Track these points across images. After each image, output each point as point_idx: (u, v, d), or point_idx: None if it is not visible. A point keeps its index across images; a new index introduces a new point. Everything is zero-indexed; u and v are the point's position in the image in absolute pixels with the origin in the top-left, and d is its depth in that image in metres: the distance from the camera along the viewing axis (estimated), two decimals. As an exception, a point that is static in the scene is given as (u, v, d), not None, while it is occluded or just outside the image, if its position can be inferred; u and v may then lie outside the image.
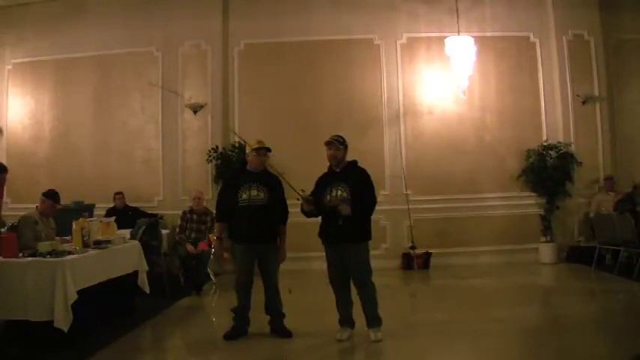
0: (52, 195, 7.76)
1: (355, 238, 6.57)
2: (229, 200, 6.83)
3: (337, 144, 6.68)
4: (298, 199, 6.65)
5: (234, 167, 10.27)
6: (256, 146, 6.87)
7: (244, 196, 6.73)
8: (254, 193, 6.73)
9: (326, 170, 6.85)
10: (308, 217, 6.76)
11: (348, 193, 6.49)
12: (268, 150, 6.93)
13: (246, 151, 7.17)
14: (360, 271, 6.60)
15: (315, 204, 6.62)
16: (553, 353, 6.17)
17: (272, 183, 6.89)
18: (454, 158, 12.08)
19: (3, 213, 8.72)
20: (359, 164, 6.85)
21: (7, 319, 6.52)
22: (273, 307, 6.90)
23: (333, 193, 6.53)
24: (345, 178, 6.59)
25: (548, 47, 12.30)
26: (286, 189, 6.93)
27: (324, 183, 6.70)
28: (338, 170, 6.70)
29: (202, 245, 10.14)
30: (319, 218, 6.77)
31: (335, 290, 6.75)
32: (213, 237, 9.44)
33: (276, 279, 6.90)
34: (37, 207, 7.75)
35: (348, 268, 6.61)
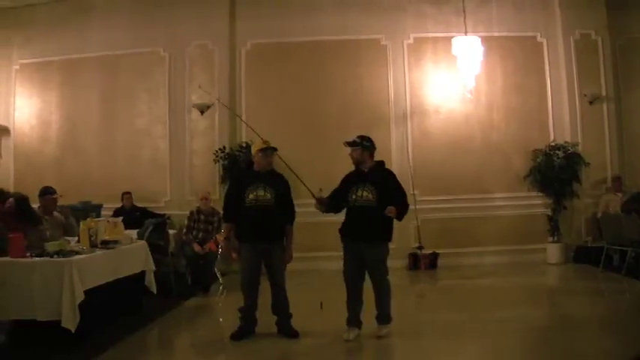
0: (45, 191, 7.84)
1: (377, 238, 6.64)
2: (236, 201, 6.83)
3: (353, 145, 6.75)
4: (316, 199, 6.74)
5: (241, 167, 10.27)
6: (262, 146, 6.85)
7: (251, 196, 6.71)
8: (261, 193, 6.71)
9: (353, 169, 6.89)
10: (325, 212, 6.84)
11: (374, 194, 6.54)
12: (274, 150, 6.93)
13: (252, 152, 7.16)
14: (377, 269, 6.69)
15: (331, 202, 6.75)
16: (560, 353, 6.16)
17: (278, 183, 6.87)
18: (461, 158, 12.06)
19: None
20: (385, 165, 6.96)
21: (14, 319, 6.54)
22: (280, 307, 6.89)
23: (359, 193, 6.59)
24: (370, 179, 6.63)
25: (556, 47, 12.26)
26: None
27: (350, 182, 6.75)
28: (365, 170, 6.73)
29: (210, 245, 10.15)
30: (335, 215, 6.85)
31: (348, 288, 6.76)
32: (221, 237, 9.45)
33: (282, 279, 6.89)
34: (38, 207, 7.80)
35: (366, 266, 6.67)
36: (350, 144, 6.76)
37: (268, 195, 6.72)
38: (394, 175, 6.86)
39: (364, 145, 6.74)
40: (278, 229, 6.84)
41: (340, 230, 6.82)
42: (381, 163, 6.91)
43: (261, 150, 6.83)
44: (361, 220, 6.58)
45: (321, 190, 6.73)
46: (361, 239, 6.60)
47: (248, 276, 6.81)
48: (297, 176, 6.94)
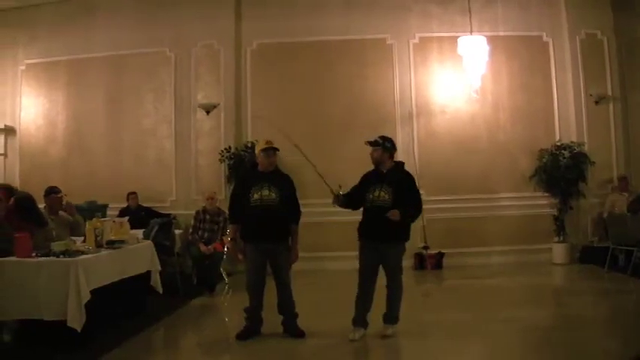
0: (49, 191, 7.91)
1: (394, 238, 6.67)
2: (241, 202, 6.83)
3: (374, 145, 6.78)
4: (334, 195, 6.73)
5: (245, 168, 10.30)
6: (264, 146, 6.85)
7: (256, 196, 6.71)
8: (265, 193, 6.71)
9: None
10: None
11: (390, 195, 6.56)
12: (276, 150, 6.91)
13: (255, 152, 7.17)
14: (393, 267, 6.75)
15: (345, 200, 6.76)
16: (564, 353, 6.17)
17: (283, 182, 6.88)
18: (467, 158, 12.04)
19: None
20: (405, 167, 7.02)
21: (20, 319, 6.55)
22: (286, 307, 6.90)
23: (376, 194, 6.62)
24: (388, 180, 6.65)
25: (561, 47, 12.23)
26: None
27: (369, 182, 6.77)
28: (384, 171, 6.75)
29: (216, 245, 10.16)
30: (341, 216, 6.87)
31: (361, 286, 6.77)
32: (227, 239, 9.46)
33: (288, 278, 6.90)
34: (44, 207, 7.84)
35: (381, 264, 6.72)
36: (371, 143, 6.78)
37: (273, 195, 6.72)
38: (412, 178, 6.90)
39: (385, 146, 6.78)
40: (283, 229, 6.84)
41: (358, 230, 6.85)
42: (401, 165, 6.95)
43: (263, 150, 6.84)
44: (378, 221, 6.56)
45: (340, 186, 6.75)
46: (378, 239, 6.63)
47: (253, 276, 6.81)
48: (317, 172, 6.87)
